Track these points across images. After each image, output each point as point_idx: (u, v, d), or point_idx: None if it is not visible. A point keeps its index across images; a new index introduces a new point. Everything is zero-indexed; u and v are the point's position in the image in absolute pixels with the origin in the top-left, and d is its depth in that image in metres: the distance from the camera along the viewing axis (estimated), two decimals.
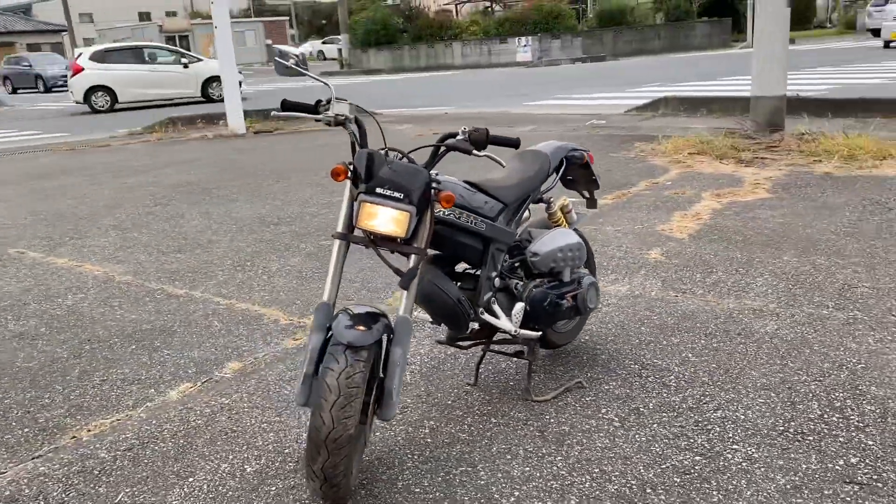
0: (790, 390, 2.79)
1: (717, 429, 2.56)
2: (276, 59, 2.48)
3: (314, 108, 2.44)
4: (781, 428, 2.53)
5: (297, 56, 2.47)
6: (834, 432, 2.48)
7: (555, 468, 2.39)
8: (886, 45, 18.98)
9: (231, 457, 2.57)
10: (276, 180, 7.80)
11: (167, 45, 23.54)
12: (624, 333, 3.41)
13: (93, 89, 18.44)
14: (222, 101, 12.53)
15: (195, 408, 2.94)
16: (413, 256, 2.34)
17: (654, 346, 3.25)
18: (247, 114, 12.60)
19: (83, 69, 18.42)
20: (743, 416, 2.62)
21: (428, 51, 31.77)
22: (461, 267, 2.78)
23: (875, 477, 2.23)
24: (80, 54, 19.29)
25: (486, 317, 2.68)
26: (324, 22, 72.44)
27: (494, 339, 2.88)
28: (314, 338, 2.26)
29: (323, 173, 7.92)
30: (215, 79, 18.27)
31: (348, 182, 2.38)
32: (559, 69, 25.26)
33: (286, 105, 2.47)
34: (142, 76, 18.74)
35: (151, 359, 3.44)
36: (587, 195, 3.35)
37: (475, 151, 2.40)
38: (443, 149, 2.44)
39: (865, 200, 5.44)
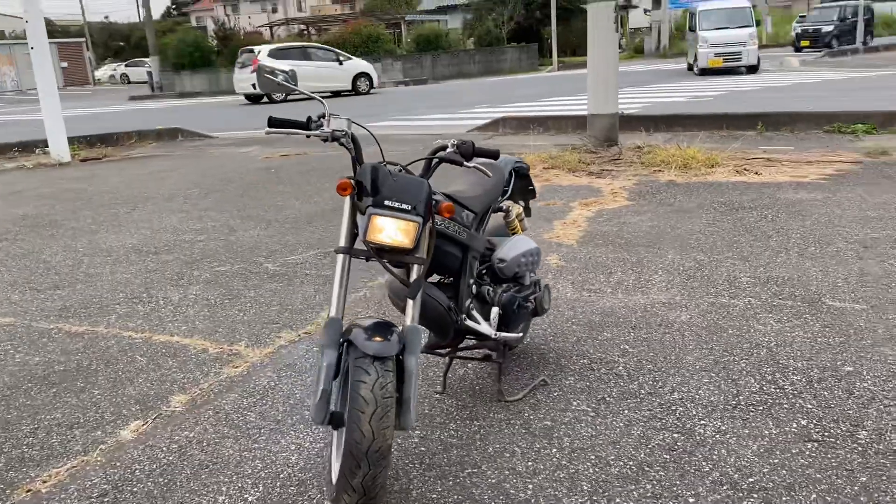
0: (725, 369, 3.12)
1: (680, 408, 2.82)
2: (266, 75, 2.45)
3: (305, 125, 2.43)
4: (733, 402, 2.84)
5: (285, 73, 2.45)
6: (777, 401, 2.83)
7: (554, 460, 2.53)
8: (702, 71, 20.86)
9: (225, 488, 2.47)
10: (132, 208, 7.35)
11: (326, 46, 26.57)
12: (560, 333, 3.62)
13: None
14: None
15: (159, 444, 2.78)
16: (416, 266, 2.40)
17: (591, 342, 3.49)
18: (69, 140, 11.69)
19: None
20: (697, 396, 2.91)
21: None
22: (434, 277, 2.86)
23: (826, 434, 2.58)
24: (259, 52, 23.00)
25: (469, 323, 2.77)
26: (121, 44, 68.43)
27: (461, 345, 2.99)
28: (328, 354, 2.25)
29: (181, 199, 7.59)
30: (363, 74, 23.79)
31: (347, 198, 2.40)
32: (387, 91, 25.67)
33: (274, 122, 2.44)
34: (309, 71, 21.41)
35: (81, 400, 3.18)
36: (524, 204, 3.54)
37: (465, 163, 2.51)
38: (435, 161, 2.52)
39: (714, 203, 6.11)
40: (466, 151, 2.52)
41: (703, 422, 2.71)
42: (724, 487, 2.31)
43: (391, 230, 2.29)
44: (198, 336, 3.85)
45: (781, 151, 8.40)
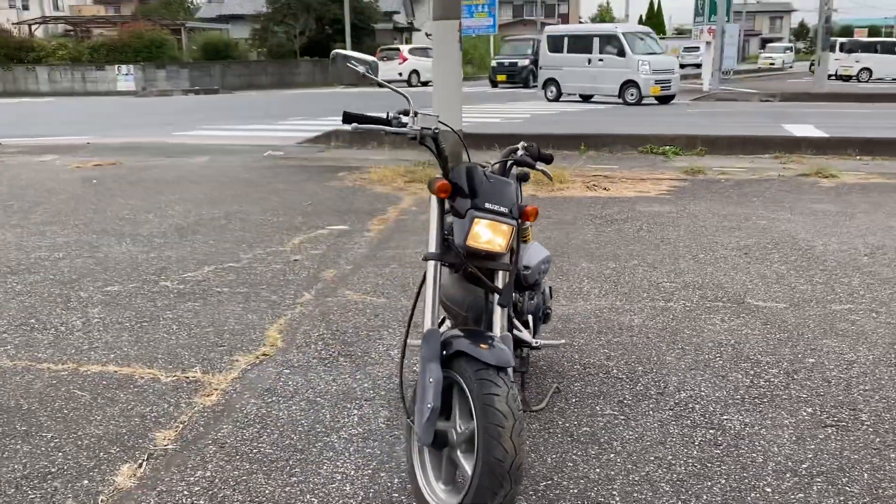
0: (709, 367, 3.33)
1: (697, 405, 2.96)
2: (349, 64, 2.20)
3: (387, 121, 2.24)
4: (738, 397, 3.03)
5: (368, 63, 2.23)
6: (775, 393, 3.06)
7: (619, 464, 2.54)
8: (494, 84, 21.90)
9: None
10: None
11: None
12: None
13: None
14: None
15: (175, 488, 2.39)
16: (501, 272, 2.30)
17: (572, 349, 3.55)
18: None
19: (408, 59, 30.42)
20: (703, 393, 3.07)
21: (4, 74, 27.65)
22: None
23: (836, 419, 2.84)
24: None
25: (514, 332, 2.70)
26: None
27: None
28: (433, 368, 2.08)
29: (16, 218, 6.60)
30: None
31: (434, 199, 2.25)
32: (179, 100, 24.19)
33: (351, 117, 2.21)
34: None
35: (35, 447, 2.65)
36: None
37: (537, 165, 2.46)
38: (510, 163, 2.44)
39: (588, 216, 6.48)
40: (535, 154, 2.48)
41: (725, 417, 2.86)
42: (788, 475, 2.45)
43: (490, 234, 2.18)
44: (137, 364, 3.36)
45: (612, 170, 9.11)
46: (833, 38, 37.92)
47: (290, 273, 4.78)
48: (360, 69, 2.25)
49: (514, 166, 2.54)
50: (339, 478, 2.46)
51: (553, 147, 10.57)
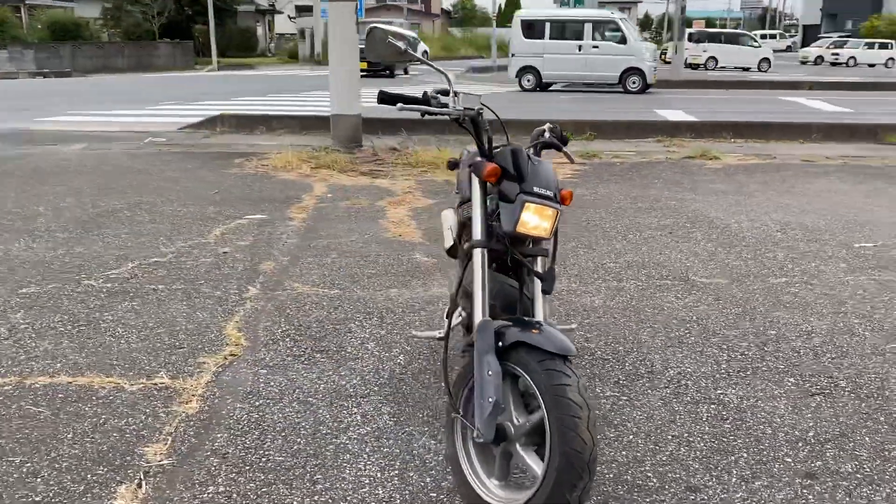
0: (684, 344, 3.42)
1: (690, 382, 3.03)
2: (390, 40, 2.03)
3: (426, 101, 2.11)
4: (724, 371, 3.13)
5: (408, 39, 2.07)
6: (756, 366, 3.19)
7: (643, 445, 2.55)
8: None
9: None
10: None
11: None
12: None
13: None
14: None
15: None
16: (541, 259, 2.23)
17: None
18: None
19: None
20: (690, 370, 3.15)
21: None
22: None
23: (820, 388, 2.99)
24: None
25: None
26: None
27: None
28: (491, 361, 1.99)
29: None
30: None
31: (476, 183, 2.14)
32: (29, 84, 22.24)
33: (388, 98, 2.06)
34: None
35: (11, 477, 2.33)
36: None
37: (562, 147, 2.41)
38: (540, 146, 2.37)
39: None
40: (560, 136, 2.43)
41: (719, 391, 2.94)
42: (800, 444, 2.56)
43: (538, 219, 2.11)
44: (92, 373, 3.03)
45: None
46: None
47: (224, 266, 4.48)
48: (401, 45, 2.10)
49: (543, 149, 2.47)
50: (367, 481, 2.32)
51: (448, 132, 10.61)
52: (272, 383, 2.97)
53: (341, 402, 2.84)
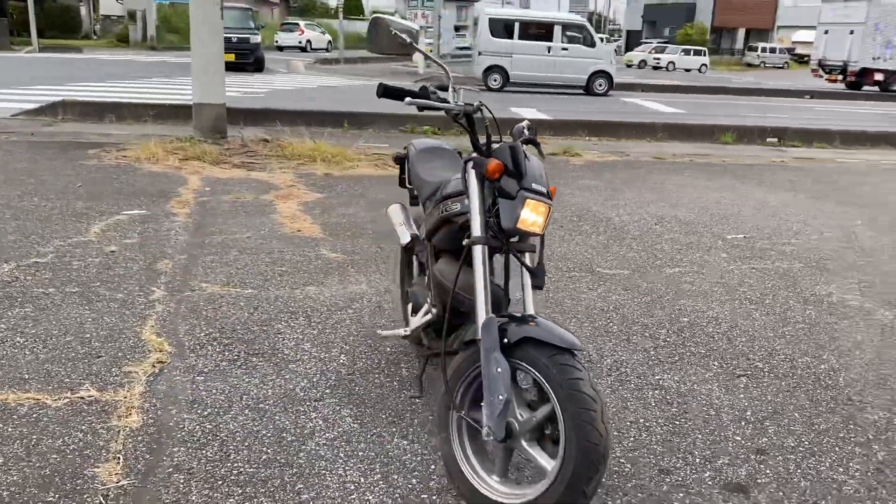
0: (609, 333, 3.57)
1: (628, 369, 3.17)
2: (395, 33, 1.95)
3: (426, 95, 2.05)
4: (654, 357, 3.31)
5: (411, 32, 1.99)
6: (679, 351, 3.39)
7: (614, 431, 2.64)
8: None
9: None
10: None
11: None
12: None
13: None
14: None
15: None
16: (529, 255, 2.25)
17: None
18: None
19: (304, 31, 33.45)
20: (624, 357, 3.29)
21: None
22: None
23: (742, 370, 3.23)
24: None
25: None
26: None
27: None
28: (498, 358, 2.00)
29: None
30: None
31: (474, 178, 2.13)
32: None
33: (390, 91, 1.99)
34: None
35: None
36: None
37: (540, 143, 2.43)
38: (523, 142, 2.37)
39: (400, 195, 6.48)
40: (534, 133, 2.45)
41: (657, 377, 3.11)
42: (744, 423, 2.75)
43: (535, 215, 2.13)
44: (2, 390, 2.70)
45: (386, 148, 9.17)
46: None
47: (116, 266, 4.14)
48: (406, 38, 2.02)
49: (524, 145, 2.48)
50: (352, 487, 2.24)
51: (315, 124, 10.36)
52: (214, 391, 2.79)
53: (296, 406, 2.72)
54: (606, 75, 18.81)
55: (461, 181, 2.32)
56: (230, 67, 19.82)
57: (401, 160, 3.14)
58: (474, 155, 2.19)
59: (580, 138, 11.01)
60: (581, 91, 18.88)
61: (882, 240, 5.61)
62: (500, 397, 1.97)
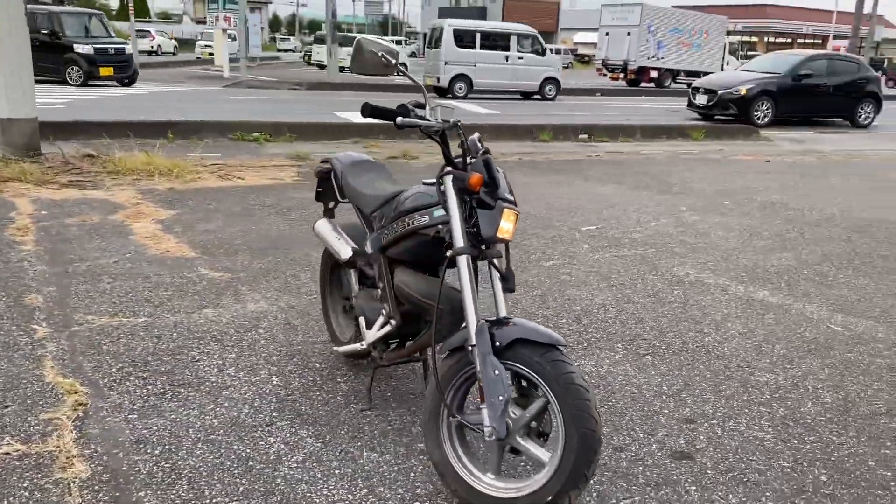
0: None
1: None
2: (381, 54, 1.95)
3: (405, 114, 2.09)
4: (573, 343, 3.55)
5: (392, 52, 2.01)
6: (583, 337, 3.67)
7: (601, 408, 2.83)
8: None
9: None
10: None
11: None
12: None
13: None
14: None
15: None
16: (497, 260, 2.36)
17: None
18: None
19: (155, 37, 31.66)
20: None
21: None
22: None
23: (646, 349, 3.56)
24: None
25: None
26: None
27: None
28: (494, 361, 2.11)
29: None
30: None
31: (451, 191, 2.21)
32: None
33: (374, 111, 2.00)
34: None
35: None
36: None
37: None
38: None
39: (258, 205, 6.33)
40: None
41: (577, 363, 3.34)
42: (664, 397, 3.06)
43: (509, 224, 2.25)
44: None
45: (220, 158, 8.87)
46: (320, 33, 41.57)
47: None
48: (390, 59, 2.05)
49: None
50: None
51: (136, 136, 9.77)
52: (156, 427, 2.65)
53: (250, 434, 2.64)
54: (555, 81, 20.79)
55: (425, 194, 2.39)
56: (101, 79, 18.06)
57: (323, 174, 3.13)
58: (449, 169, 2.26)
59: (413, 140, 11.23)
60: (523, 97, 20.64)
61: (707, 222, 6.32)
62: (500, 398, 2.08)
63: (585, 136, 12.58)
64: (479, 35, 19.83)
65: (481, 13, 54.00)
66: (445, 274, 2.31)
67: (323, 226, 3.10)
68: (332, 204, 3.38)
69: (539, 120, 13.16)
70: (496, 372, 2.09)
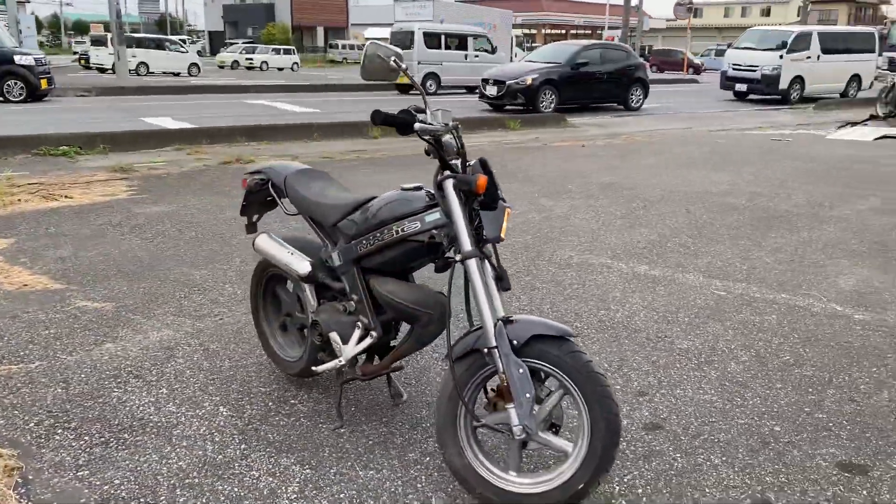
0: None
1: None
2: (394, 59, 1.86)
3: (414, 118, 2.04)
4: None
5: (398, 55, 1.91)
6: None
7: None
8: None
9: None
10: None
11: None
12: None
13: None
14: None
15: None
16: (488, 260, 2.37)
17: None
18: None
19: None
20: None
21: None
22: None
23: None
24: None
25: None
26: None
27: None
28: (516, 360, 2.14)
29: None
30: None
31: (453, 195, 2.19)
32: None
33: (386, 117, 1.92)
34: None
35: None
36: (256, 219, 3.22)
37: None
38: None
39: (111, 224, 5.80)
40: None
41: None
42: (610, 373, 3.23)
43: (507, 223, 2.27)
44: None
45: (34, 176, 8.02)
46: (96, 34, 38.43)
47: None
48: (401, 65, 1.97)
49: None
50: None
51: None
52: (117, 481, 2.38)
53: (228, 471, 2.46)
54: None
55: (407, 201, 2.34)
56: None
57: (259, 185, 2.95)
58: (448, 173, 2.23)
59: (241, 144, 10.80)
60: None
61: (563, 206, 6.68)
62: (528, 396, 2.11)
63: None
64: (443, 37, 22.52)
65: (268, 10, 52.83)
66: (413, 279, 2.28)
67: (266, 241, 2.93)
68: (255, 217, 3.20)
69: (357, 116, 13.11)
70: (521, 370, 2.12)
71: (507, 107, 16.37)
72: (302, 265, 2.72)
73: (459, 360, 2.24)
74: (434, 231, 2.29)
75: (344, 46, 50.58)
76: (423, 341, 2.52)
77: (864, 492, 2.38)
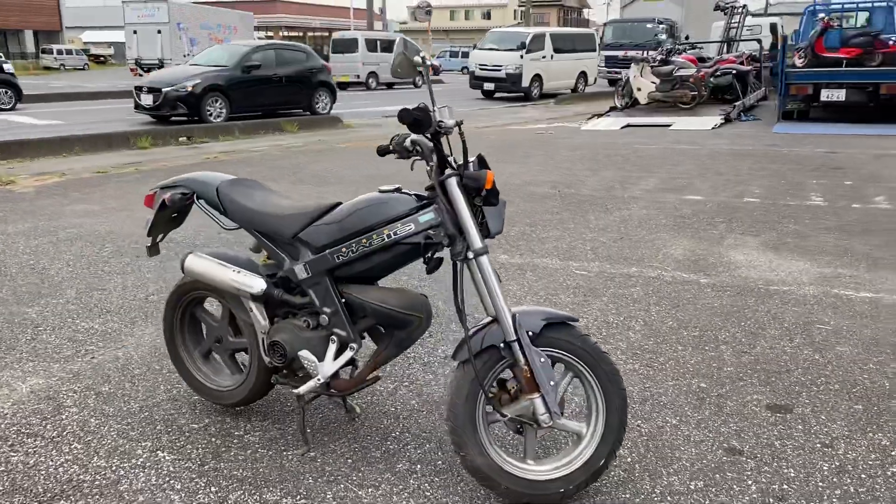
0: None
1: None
2: (423, 56, 1.76)
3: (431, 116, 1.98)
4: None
5: (420, 54, 1.82)
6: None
7: None
8: None
9: None
10: None
11: None
12: None
13: None
14: None
15: None
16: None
17: None
18: None
19: None
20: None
21: None
22: None
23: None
24: None
25: None
26: None
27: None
28: (537, 350, 2.18)
29: None
30: None
31: (458, 191, 2.16)
32: None
33: (413, 117, 1.84)
34: None
35: None
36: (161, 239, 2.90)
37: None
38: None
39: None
40: None
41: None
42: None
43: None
44: None
45: None
46: None
47: None
48: (427, 62, 1.87)
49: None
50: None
51: None
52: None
53: None
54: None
55: (390, 203, 2.26)
56: None
57: (181, 202, 2.66)
58: (450, 171, 2.18)
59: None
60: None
61: None
62: (552, 383, 2.15)
63: (185, 138, 12.02)
64: (378, 42, 27.29)
65: None
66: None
67: (199, 262, 2.64)
68: (160, 237, 2.88)
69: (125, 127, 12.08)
70: (542, 360, 2.16)
71: (172, 118, 13.98)
72: (255, 283, 2.50)
73: (476, 357, 2.21)
74: (430, 231, 2.23)
75: (60, 52, 45.78)
76: (405, 346, 2.45)
77: (800, 426, 2.73)
